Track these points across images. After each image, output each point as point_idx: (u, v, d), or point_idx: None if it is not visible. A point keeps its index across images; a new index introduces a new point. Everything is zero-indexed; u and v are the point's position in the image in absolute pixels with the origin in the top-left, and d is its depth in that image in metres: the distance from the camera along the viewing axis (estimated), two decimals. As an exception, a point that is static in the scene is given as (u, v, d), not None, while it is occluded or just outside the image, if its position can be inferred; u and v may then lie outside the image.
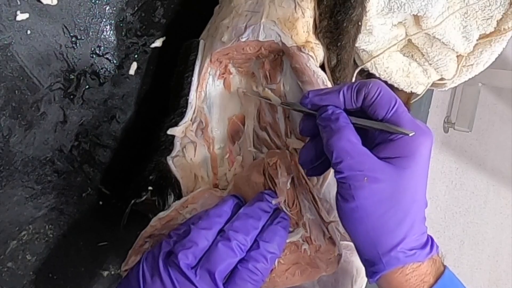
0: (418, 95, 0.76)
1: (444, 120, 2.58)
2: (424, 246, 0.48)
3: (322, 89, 0.51)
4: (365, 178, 0.46)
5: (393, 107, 0.47)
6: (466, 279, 2.83)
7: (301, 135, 0.54)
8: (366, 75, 0.71)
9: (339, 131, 0.47)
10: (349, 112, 0.49)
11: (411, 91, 0.73)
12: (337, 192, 0.48)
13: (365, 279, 0.57)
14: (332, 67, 0.58)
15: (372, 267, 0.48)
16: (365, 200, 0.46)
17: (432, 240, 0.49)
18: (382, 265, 0.47)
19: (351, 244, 0.51)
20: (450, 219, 2.74)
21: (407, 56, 0.71)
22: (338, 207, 0.48)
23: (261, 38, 0.55)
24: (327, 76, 0.57)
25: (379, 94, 0.47)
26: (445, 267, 0.49)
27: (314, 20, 0.57)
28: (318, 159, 0.52)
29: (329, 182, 0.57)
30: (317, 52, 0.56)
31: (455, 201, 2.77)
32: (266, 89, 0.58)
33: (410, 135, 0.46)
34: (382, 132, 0.48)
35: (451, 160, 2.68)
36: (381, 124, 0.47)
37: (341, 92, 0.48)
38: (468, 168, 2.80)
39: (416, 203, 0.47)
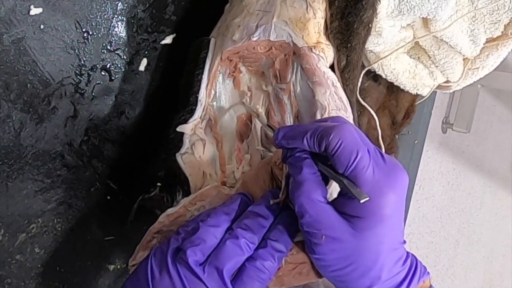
0: (423, 97, 0.77)
1: (443, 121, 2.59)
2: (400, 283, 0.48)
3: (291, 128, 0.49)
4: (323, 237, 0.46)
5: (352, 163, 0.45)
6: (461, 279, 2.85)
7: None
8: (373, 76, 0.72)
9: (301, 185, 0.47)
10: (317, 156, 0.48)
11: (416, 93, 0.74)
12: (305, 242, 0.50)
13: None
14: (342, 68, 0.59)
15: None
16: (325, 256, 0.47)
17: (415, 268, 0.49)
18: None
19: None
20: (446, 219, 2.75)
21: (414, 58, 0.72)
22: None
23: (272, 38, 0.56)
24: (337, 76, 0.58)
25: (339, 147, 0.45)
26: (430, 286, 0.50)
27: (325, 21, 0.58)
28: None
29: (334, 184, 0.58)
30: (327, 53, 0.57)
31: (451, 201, 2.78)
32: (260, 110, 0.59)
33: (361, 201, 0.43)
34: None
35: (448, 160, 2.70)
36: (340, 180, 0.45)
37: (305, 139, 0.47)
38: (465, 169, 2.81)
39: (382, 256, 0.47)
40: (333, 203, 0.48)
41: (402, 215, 0.47)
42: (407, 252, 0.50)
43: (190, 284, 0.46)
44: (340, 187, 0.47)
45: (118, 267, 0.65)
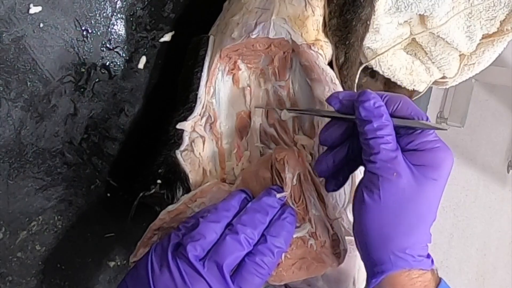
0: (420, 92, 0.77)
1: (437, 116, 2.60)
2: (428, 256, 0.50)
3: (349, 91, 0.52)
4: (395, 174, 0.47)
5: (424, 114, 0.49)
6: (455, 272, 2.87)
7: (322, 144, 0.54)
8: (370, 72, 0.72)
9: (382, 124, 0.48)
10: None
11: (413, 89, 0.75)
12: (361, 185, 0.50)
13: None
14: (340, 65, 0.59)
15: (378, 267, 0.49)
16: (389, 194, 0.48)
17: (430, 254, 0.51)
18: (390, 265, 0.48)
19: (355, 239, 0.53)
20: (440, 212, 2.74)
21: (411, 55, 0.72)
22: (357, 200, 0.50)
23: (271, 35, 0.56)
24: (335, 73, 0.58)
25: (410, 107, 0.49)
26: (441, 278, 0.50)
27: (324, 18, 0.58)
28: (336, 169, 0.53)
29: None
30: (326, 50, 0.57)
31: (445, 195, 2.75)
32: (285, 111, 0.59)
33: (446, 130, 0.49)
34: (412, 134, 0.49)
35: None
36: (418, 122, 0.48)
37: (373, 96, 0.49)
38: (459, 163, 2.82)
39: (431, 214, 0.50)
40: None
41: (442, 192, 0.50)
42: None
43: (190, 279, 0.47)
44: (411, 130, 0.49)
45: (119, 263, 0.65)
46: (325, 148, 0.54)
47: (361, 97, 0.49)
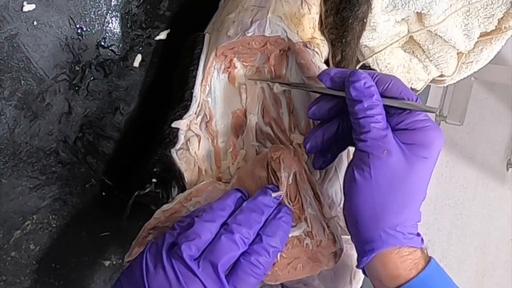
0: (418, 91, 0.77)
1: (436, 114, 2.60)
2: (418, 234, 0.50)
3: (341, 69, 0.53)
4: (385, 151, 0.48)
5: (414, 96, 0.50)
6: (454, 270, 2.87)
7: (309, 117, 0.54)
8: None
9: (373, 104, 0.49)
10: None
11: (411, 87, 0.74)
12: (351, 165, 0.50)
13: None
14: (337, 63, 0.59)
15: (368, 245, 0.49)
16: (380, 172, 0.48)
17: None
18: (380, 242, 0.49)
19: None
20: (439, 211, 2.76)
21: (408, 53, 0.72)
22: (348, 179, 0.51)
23: (267, 33, 0.55)
24: (331, 72, 0.58)
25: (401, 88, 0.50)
26: (431, 257, 0.51)
27: (320, 16, 0.58)
28: (325, 146, 0.54)
29: (331, 178, 0.58)
30: (322, 48, 0.57)
31: (444, 193, 2.79)
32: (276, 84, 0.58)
33: (436, 112, 0.49)
34: (403, 114, 0.50)
35: (441, 153, 2.70)
36: (408, 103, 0.49)
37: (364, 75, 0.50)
38: (458, 161, 2.82)
39: (421, 192, 0.50)
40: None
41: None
42: None
43: (184, 278, 0.47)
44: (396, 119, 0.50)
45: (114, 263, 0.65)
46: None
47: (351, 77, 0.49)
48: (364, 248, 0.50)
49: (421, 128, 0.49)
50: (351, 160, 0.51)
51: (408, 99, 0.49)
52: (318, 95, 0.55)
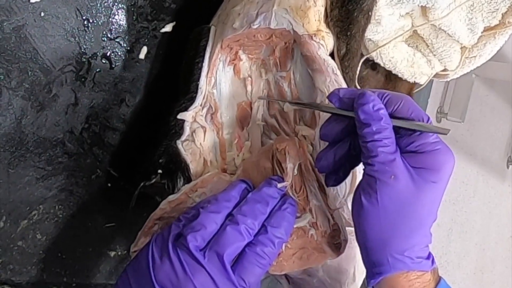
0: (421, 85, 0.77)
1: (437, 110, 2.60)
2: (428, 257, 0.49)
3: (350, 89, 0.52)
4: (392, 176, 0.47)
5: (426, 116, 0.48)
6: (454, 266, 2.87)
7: (322, 139, 0.54)
8: (371, 64, 0.72)
9: (381, 128, 0.47)
10: None
11: (414, 81, 0.74)
12: (359, 188, 0.49)
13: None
14: (341, 56, 0.59)
15: (376, 268, 0.49)
16: (387, 197, 0.47)
17: (432, 254, 0.51)
18: (388, 267, 0.48)
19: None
20: (439, 207, 2.77)
21: (412, 47, 0.72)
22: (356, 203, 0.49)
23: (272, 26, 0.56)
24: (336, 64, 0.58)
25: (411, 108, 0.49)
26: (440, 277, 0.50)
27: (326, 9, 0.58)
28: (337, 165, 0.52)
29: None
30: (327, 41, 0.57)
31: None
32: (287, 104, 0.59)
33: (447, 133, 0.47)
34: (413, 136, 0.48)
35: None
36: (418, 124, 0.47)
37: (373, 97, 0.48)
38: (459, 157, 2.83)
39: (431, 216, 0.49)
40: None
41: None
42: None
43: (190, 269, 0.47)
44: (405, 141, 0.48)
45: (119, 253, 0.65)
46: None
47: (360, 100, 0.48)
48: (372, 270, 0.49)
49: (431, 152, 0.48)
50: (359, 184, 0.50)
51: (419, 120, 0.48)
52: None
